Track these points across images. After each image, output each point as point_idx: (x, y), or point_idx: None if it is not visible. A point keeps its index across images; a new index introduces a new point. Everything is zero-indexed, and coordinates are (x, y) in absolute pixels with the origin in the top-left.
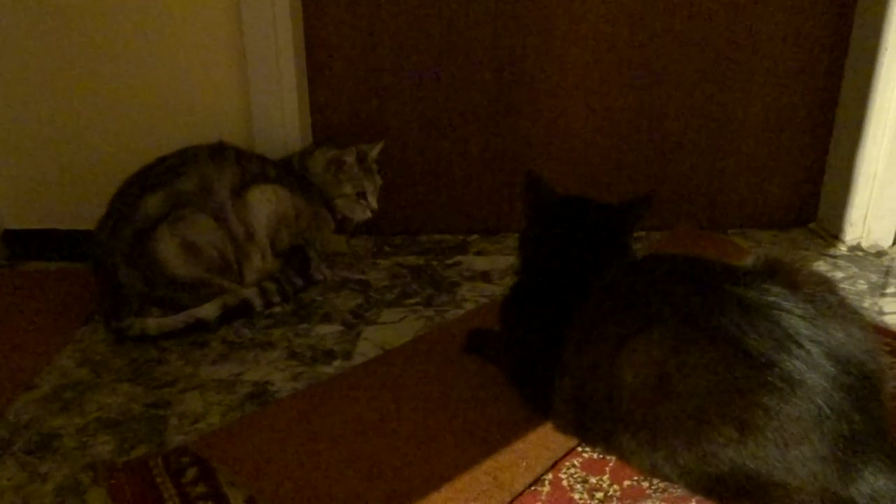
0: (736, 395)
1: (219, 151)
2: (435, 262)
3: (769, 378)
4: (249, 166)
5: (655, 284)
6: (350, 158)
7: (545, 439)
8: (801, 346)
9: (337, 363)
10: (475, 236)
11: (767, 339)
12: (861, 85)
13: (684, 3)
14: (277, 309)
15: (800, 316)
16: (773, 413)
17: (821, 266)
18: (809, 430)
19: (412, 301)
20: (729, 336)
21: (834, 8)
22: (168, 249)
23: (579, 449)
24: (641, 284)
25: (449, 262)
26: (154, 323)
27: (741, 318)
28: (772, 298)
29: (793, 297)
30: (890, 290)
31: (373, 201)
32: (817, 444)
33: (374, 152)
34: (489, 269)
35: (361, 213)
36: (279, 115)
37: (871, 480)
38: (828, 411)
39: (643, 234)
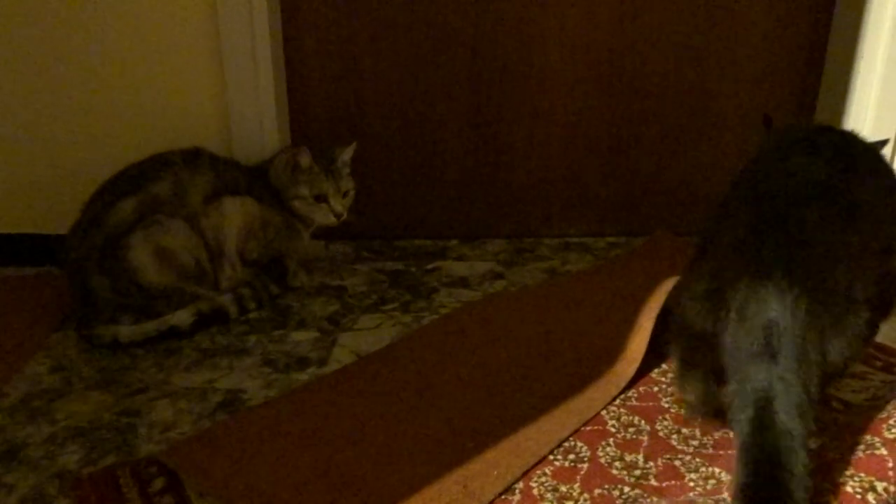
0: None
1: (194, 157)
2: (414, 268)
3: None
4: (224, 174)
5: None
6: (305, 158)
7: (517, 448)
8: None
9: (311, 370)
10: (455, 241)
11: None
12: (839, 90)
13: (663, 9)
14: (253, 315)
15: None
16: None
17: None
18: None
19: (389, 307)
20: None
21: (811, 17)
22: (141, 256)
23: (551, 457)
24: None
25: (428, 267)
26: (126, 330)
27: None
28: None
29: None
30: None
31: (336, 205)
32: None
33: (346, 155)
34: (468, 275)
35: (323, 218)
36: (257, 120)
37: None
38: None
39: (622, 239)
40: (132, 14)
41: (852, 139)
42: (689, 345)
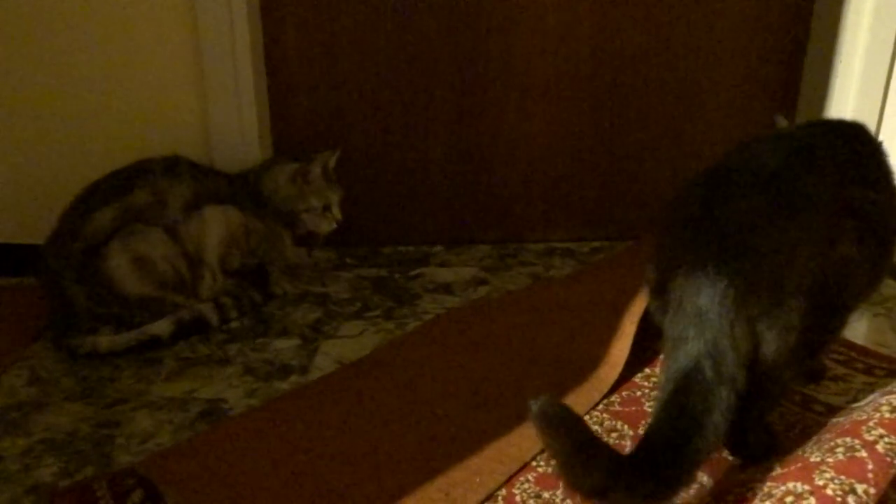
0: None
1: (173, 165)
2: (397, 274)
3: None
4: (204, 182)
5: None
6: (317, 170)
7: (500, 454)
8: None
9: (293, 378)
10: (439, 247)
11: None
12: (818, 95)
13: (645, 14)
14: (235, 324)
15: None
16: None
17: None
18: None
19: (372, 314)
20: None
21: (789, 23)
22: (119, 266)
23: (533, 464)
24: None
25: (412, 273)
26: (106, 340)
27: None
28: None
29: None
30: None
31: (337, 212)
32: None
33: (333, 161)
34: (451, 281)
35: (327, 226)
36: (237, 128)
37: None
38: None
39: (606, 244)
40: (109, 19)
41: (845, 133)
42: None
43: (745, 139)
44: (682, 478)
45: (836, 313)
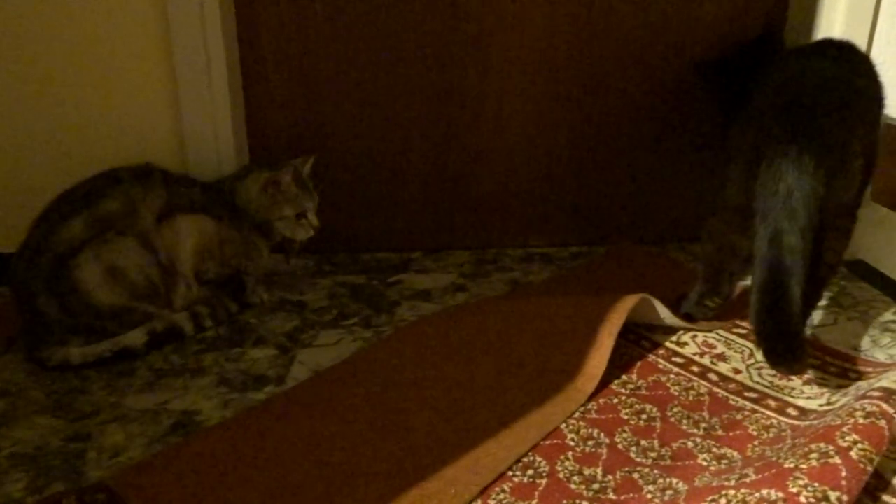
0: None
1: (145, 174)
2: (376, 281)
3: None
4: (177, 191)
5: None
6: (287, 178)
7: (476, 464)
8: None
9: (269, 389)
10: (418, 254)
11: None
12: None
13: (620, 22)
14: (210, 333)
15: None
16: None
17: None
18: None
19: (350, 322)
20: None
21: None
22: (91, 276)
23: (509, 473)
24: None
25: (390, 280)
26: (77, 352)
27: None
28: None
29: None
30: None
31: (313, 219)
32: None
33: (308, 167)
34: (430, 288)
35: (304, 234)
36: (212, 136)
37: None
38: None
39: (585, 249)
40: (80, 25)
41: (849, 46)
42: (721, 245)
43: (786, 53)
44: (793, 318)
45: (872, 171)
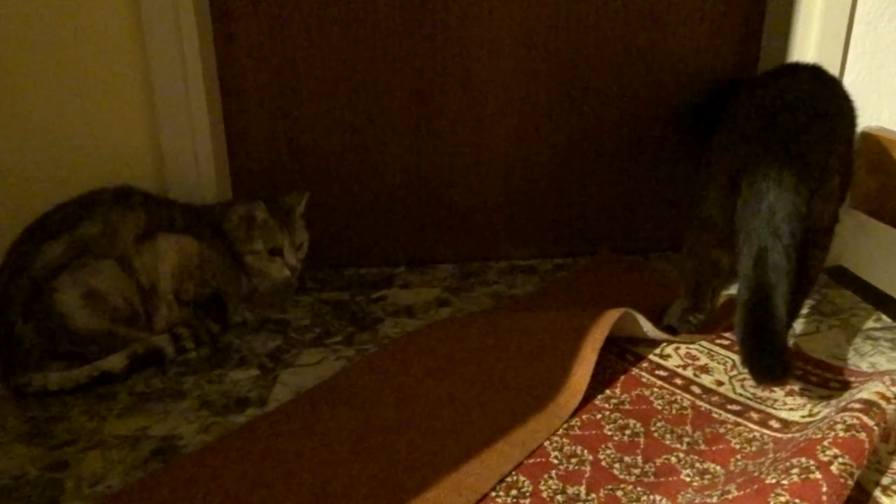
0: None
1: (125, 196)
2: (359, 297)
3: None
4: (157, 212)
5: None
6: (261, 214)
7: (459, 485)
8: None
9: (250, 411)
10: (402, 268)
11: None
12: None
13: (599, 28)
14: (192, 355)
15: None
16: None
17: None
18: None
19: (333, 340)
20: None
21: (743, 36)
22: (70, 300)
23: (493, 494)
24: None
25: (374, 296)
26: (56, 377)
27: None
28: None
29: None
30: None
31: (290, 258)
32: None
33: (301, 206)
34: (413, 303)
35: (277, 272)
36: (192, 158)
37: None
38: None
39: (569, 260)
40: (58, 48)
41: (818, 68)
42: (702, 261)
43: (757, 78)
44: (779, 335)
45: (847, 189)
